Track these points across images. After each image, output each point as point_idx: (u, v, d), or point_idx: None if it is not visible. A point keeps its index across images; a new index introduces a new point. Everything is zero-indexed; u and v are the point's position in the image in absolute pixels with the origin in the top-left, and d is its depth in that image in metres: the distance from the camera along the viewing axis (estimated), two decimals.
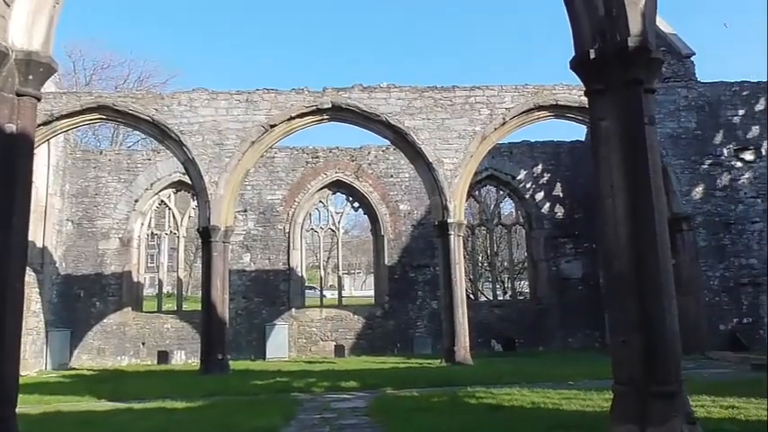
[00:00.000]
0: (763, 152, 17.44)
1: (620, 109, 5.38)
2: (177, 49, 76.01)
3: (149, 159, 20.08)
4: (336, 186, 20.79)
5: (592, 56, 5.48)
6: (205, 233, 15.34)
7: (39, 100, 5.16)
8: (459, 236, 16.01)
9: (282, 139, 16.66)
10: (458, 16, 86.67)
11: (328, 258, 38.35)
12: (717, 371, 12.11)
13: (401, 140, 16.37)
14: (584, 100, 6.02)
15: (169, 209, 20.92)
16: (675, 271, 5.85)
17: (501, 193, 21.43)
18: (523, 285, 24.96)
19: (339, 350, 19.17)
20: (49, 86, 13.81)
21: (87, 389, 11.51)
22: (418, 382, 11.14)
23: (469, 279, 22.31)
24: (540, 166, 20.54)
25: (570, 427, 6.35)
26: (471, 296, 22.14)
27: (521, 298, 22.38)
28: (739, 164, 17.46)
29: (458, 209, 15.95)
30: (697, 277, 16.59)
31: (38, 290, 17.61)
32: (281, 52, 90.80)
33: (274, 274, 19.67)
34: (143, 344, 19.04)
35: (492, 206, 22.05)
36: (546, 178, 20.52)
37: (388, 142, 17.30)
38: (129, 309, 19.29)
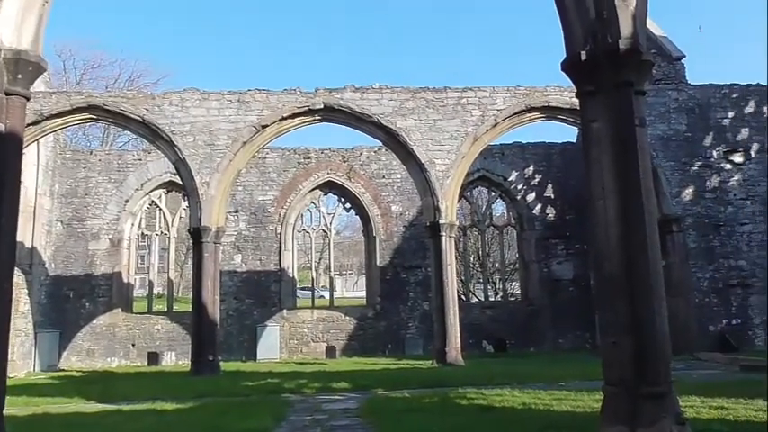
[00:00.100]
0: (752, 154, 17.60)
1: (610, 111, 5.40)
2: (169, 49, 75.83)
3: (140, 160, 19.97)
4: (328, 187, 20.77)
5: (583, 58, 5.49)
6: (196, 234, 15.28)
7: (28, 99, 5.15)
8: (450, 237, 16.03)
9: (274, 139, 16.64)
10: (450, 17, 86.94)
11: (320, 259, 38.28)
12: (706, 372, 12.18)
13: (393, 141, 16.37)
14: (576, 102, 6.03)
15: (160, 209, 20.81)
16: (665, 272, 5.88)
17: (492, 194, 21.47)
18: (515, 286, 24.98)
19: (330, 351, 19.13)
20: (38, 86, 13.74)
21: (76, 390, 11.41)
22: (409, 382, 11.13)
23: (461, 280, 22.34)
24: (531, 168, 20.61)
25: (561, 428, 6.38)
26: (463, 297, 22.17)
27: (512, 299, 22.39)
28: (729, 166, 17.59)
29: (449, 210, 15.96)
30: (687, 279, 16.71)
31: (26, 291, 17.47)
32: (273, 53, 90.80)
33: (266, 275, 19.62)
34: (133, 345, 18.93)
35: (483, 207, 22.07)
36: (537, 180, 20.59)
37: (380, 143, 17.29)
38: (119, 310, 19.17)
